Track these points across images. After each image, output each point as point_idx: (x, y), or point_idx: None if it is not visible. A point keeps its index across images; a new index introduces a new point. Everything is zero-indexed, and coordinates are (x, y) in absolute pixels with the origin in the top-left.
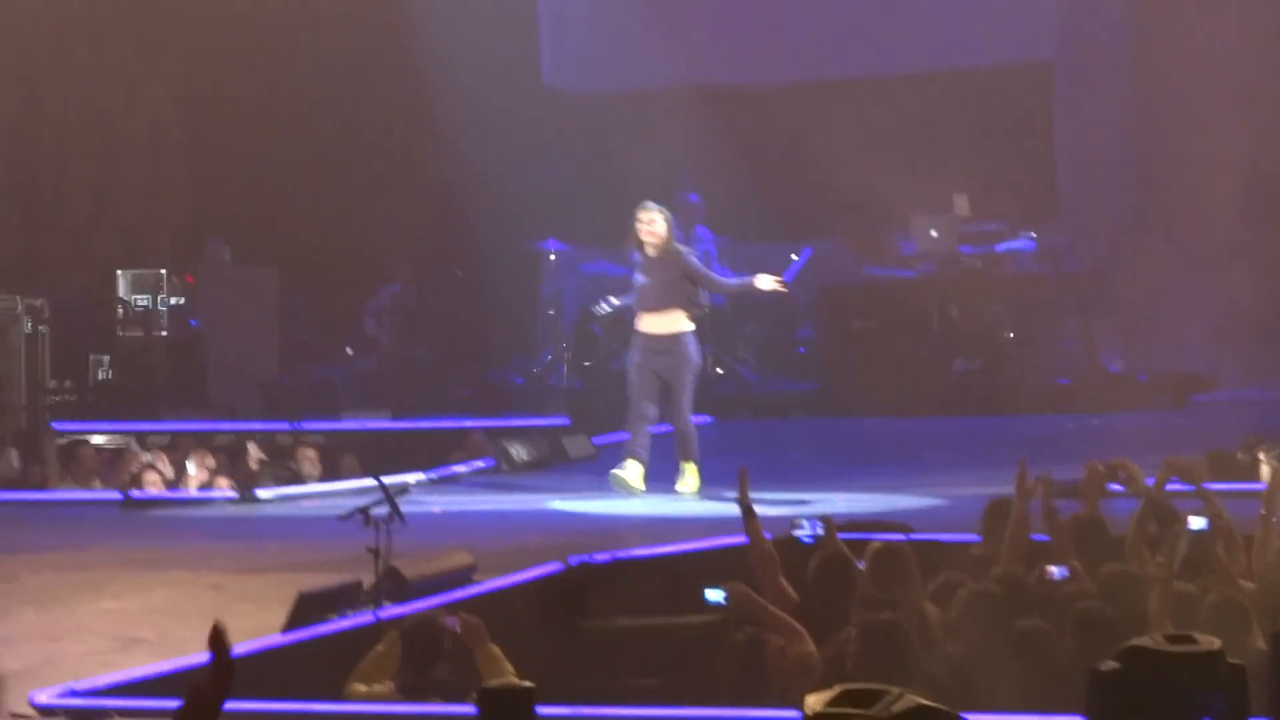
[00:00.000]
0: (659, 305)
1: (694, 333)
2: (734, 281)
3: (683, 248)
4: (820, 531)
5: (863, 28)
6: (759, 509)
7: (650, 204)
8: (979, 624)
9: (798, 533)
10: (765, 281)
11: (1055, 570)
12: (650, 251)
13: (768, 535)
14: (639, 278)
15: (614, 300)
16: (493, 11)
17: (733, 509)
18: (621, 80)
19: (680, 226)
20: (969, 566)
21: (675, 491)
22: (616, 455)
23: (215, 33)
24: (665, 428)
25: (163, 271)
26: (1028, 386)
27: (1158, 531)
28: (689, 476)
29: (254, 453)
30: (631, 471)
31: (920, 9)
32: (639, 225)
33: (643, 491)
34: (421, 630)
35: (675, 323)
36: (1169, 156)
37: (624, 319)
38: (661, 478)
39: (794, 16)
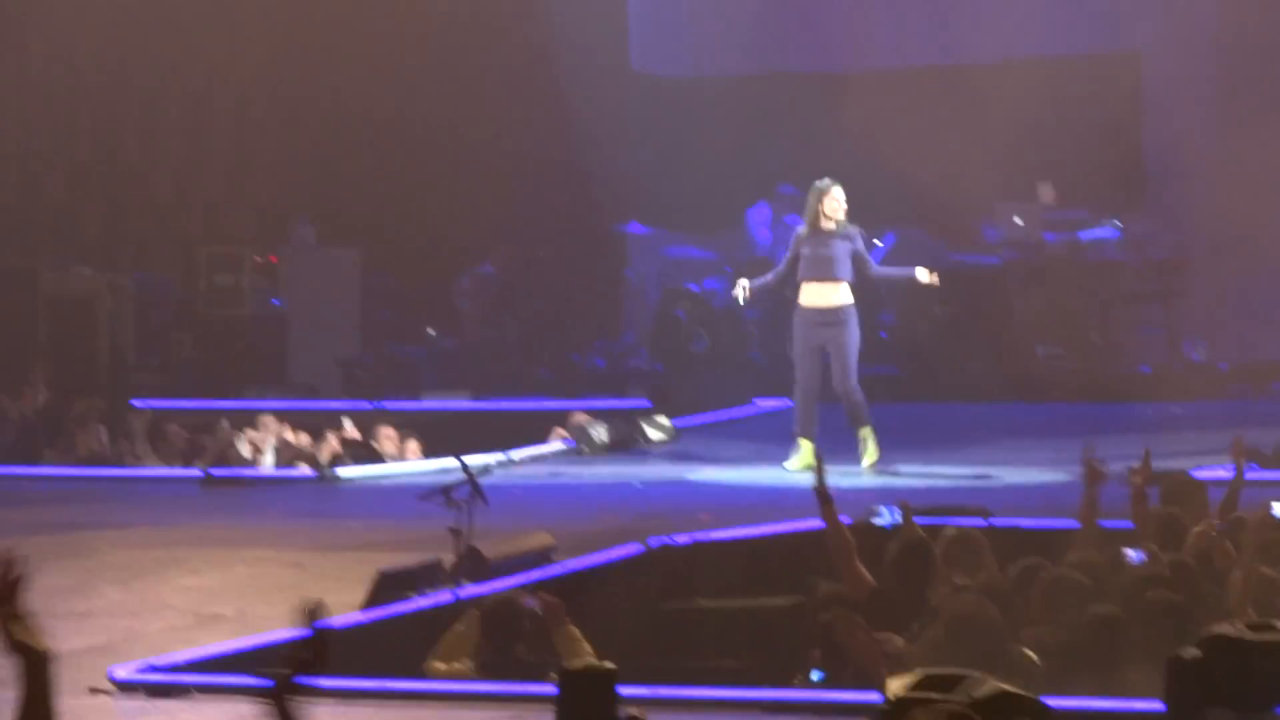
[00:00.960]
0: (827, 277)
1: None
2: (894, 270)
3: (854, 227)
4: (899, 518)
5: (950, 15)
6: (843, 489)
7: (830, 181)
8: (1058, 609)
9: (876, 519)
10: (923, 274)
11: (1133, 554)
12: (827, 225)
13: (846, 520)
14: (806, 250)
15: (746, 284)
16: None
17: (810, 492)
18: (708, 65)
19: (772, 218)
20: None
21: (861, 465)
22: (696, 437)
23: (301, 15)
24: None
25: (246, 250)
26: (1110, 374)
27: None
28: (870, 445)
29: (349, 430)
30: (802, 453)
31: None
32: (824, 199)
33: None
34: (501, 610)
35: (841, 295)
36: (1256, 146)
37: (707, 304)
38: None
39: (882, 4)
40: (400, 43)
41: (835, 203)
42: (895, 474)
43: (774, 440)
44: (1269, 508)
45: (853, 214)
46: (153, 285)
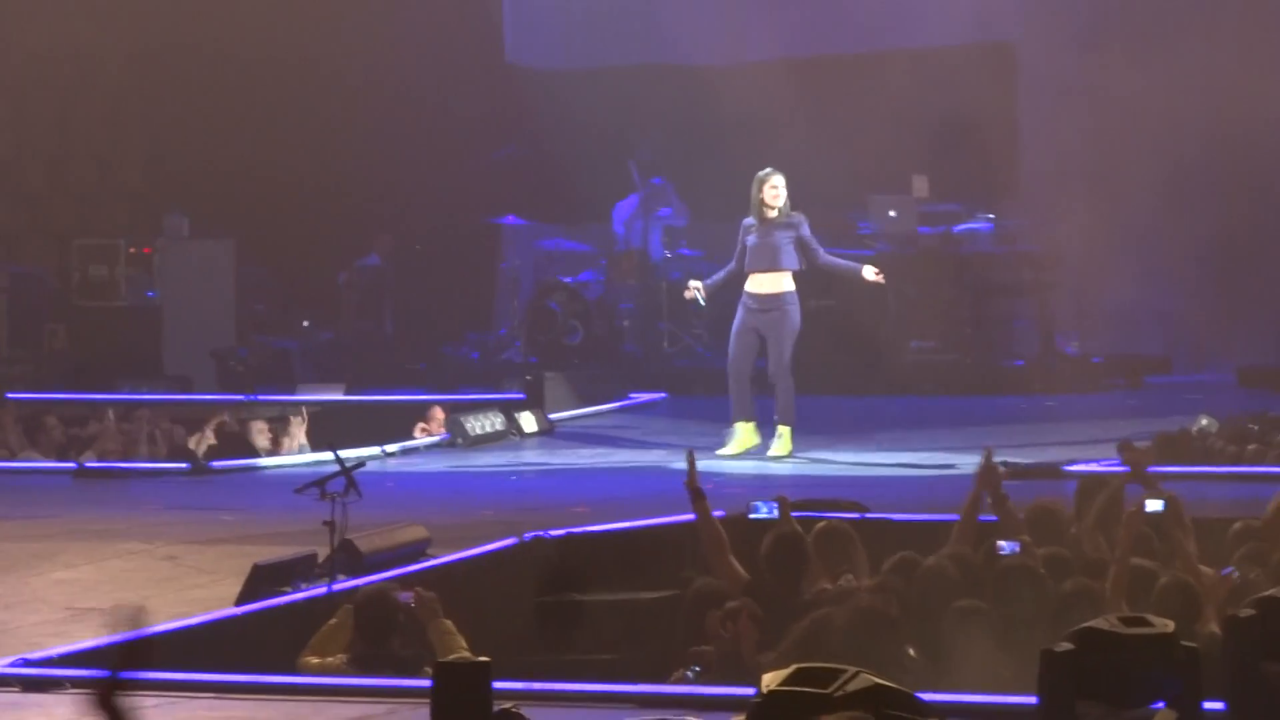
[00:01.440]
0: (770, 266)
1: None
2: (840, 263)
3: (798, 215)
4: (775, 513)
5: (822, 7)
6: (721, 483)
7: (771, 170)
8: (935, 602)
9: (753, 514)
10: (870, 272)
11: (1005, 545)
12: (770, 214)
13: (720, 514)
14: (751, 240)
15: (698, 285)
16: None
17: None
18: (582, 57)
19: (643, 208)
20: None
21: (769, 456)
22: (571, 430)
23: (173, 7)
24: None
25: (120, 242)
26: (983, 367)
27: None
28: (784, 439)
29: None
30: (740, 434)
31: None
32: (764, 188)
33: (756, 445)
34: (374, 603)
35: (781, 283)
36: (1127, 141)
37: (581, 297)
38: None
39: None
40: (274, 34)
41: (774, 190)
42: (773, 467)
43: (648, 433)
44: (1143, 503)
45: (725, 206)
46: (25, 277)
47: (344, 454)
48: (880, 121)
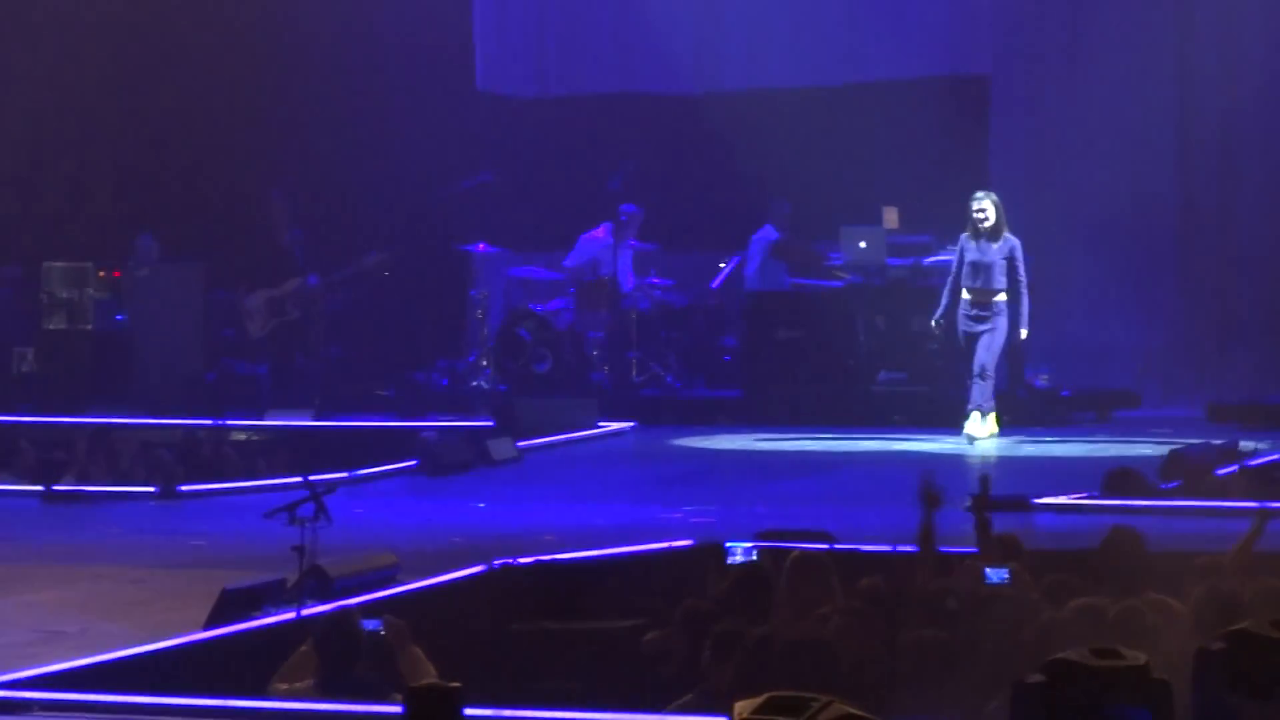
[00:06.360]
0: (986, 285)
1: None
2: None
3: (1014, 237)
4: (752, 555)
5: (796, 39)
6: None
7: (980, 192)
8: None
9: (730, 559)
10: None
11: (993, 573)
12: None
13: (689, 543)
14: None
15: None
16: (428, 15)
17: (653, 515)
18: (555, 85)
19: (616, 237)
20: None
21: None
22: (540, 457)
23: (144, 27)
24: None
25: (89, 265)
26: (953, 399)
27: None
28: (990, 422)
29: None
30: (975, 423)
31: (855, 20)
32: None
33: (995, 434)
34: (335, 629)
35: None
36: (1099, 174)
37: (551, 325)
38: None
39: (728, 26)
40: (241, 60)
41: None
42: (737, 498)
43: (617, 462)
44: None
45: (699, 234)
46: None
47: (313, 479)
48: (852, 152)
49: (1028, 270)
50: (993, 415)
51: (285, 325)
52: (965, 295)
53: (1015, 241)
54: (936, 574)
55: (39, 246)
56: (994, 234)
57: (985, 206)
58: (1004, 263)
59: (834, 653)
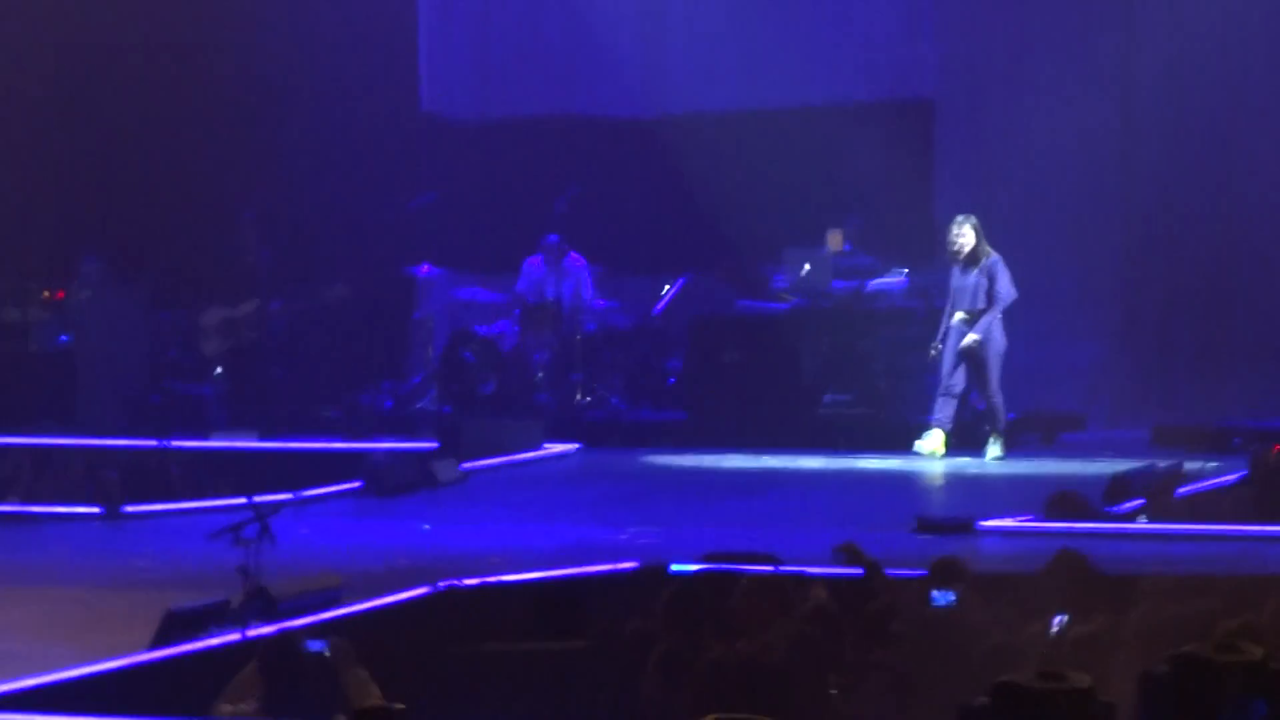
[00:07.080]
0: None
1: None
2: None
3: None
4: None
5: (741, 61)
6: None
7: (959, 216)
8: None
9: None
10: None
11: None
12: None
13: (633, 565)
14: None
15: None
16: (372, 35)
17: (598, 537)
18: (500, 107)
19: (549, 264)
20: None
21: (986, 457)
22: (484, 479)
23: (91, 45)
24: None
25: (32, 285)
26: (896, 422)
27: None
28: (995, 445)
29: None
30: (932, 439)
31: (800, 44)
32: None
33: (942, 454)
34: (279, 651)
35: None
36: (1043, 197)
37: (495, 347)
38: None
39: (674, 50)
40: (187, 76)
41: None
42: (680, 520)
43: (562, 484)
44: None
45: (643, 256)
46: None
47: (258, 500)
48: (796, 175)
49: (1017, 286)
50: (943, 436)
51: (239, 346)
52: (954, 320)
53: (994, 259)
54: (883, 596)
55: None
56: (971, 259)
57: (959, 233)
58: (984, 283)
59: (783, 675)
